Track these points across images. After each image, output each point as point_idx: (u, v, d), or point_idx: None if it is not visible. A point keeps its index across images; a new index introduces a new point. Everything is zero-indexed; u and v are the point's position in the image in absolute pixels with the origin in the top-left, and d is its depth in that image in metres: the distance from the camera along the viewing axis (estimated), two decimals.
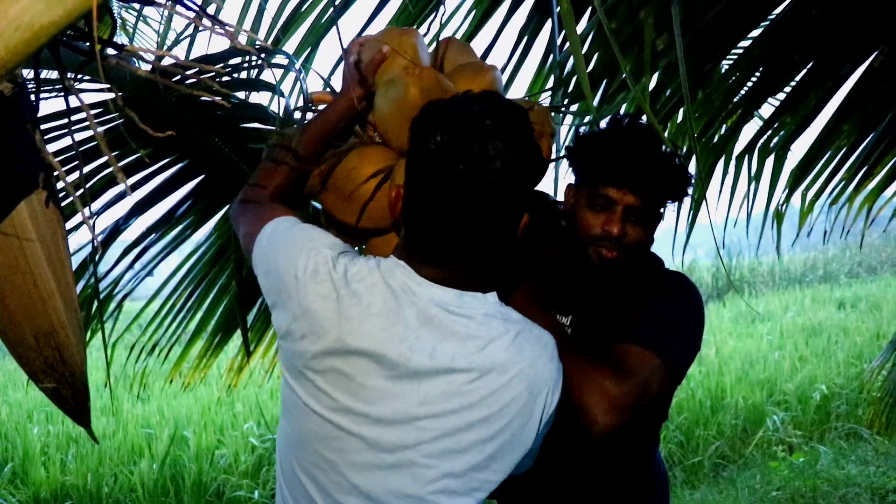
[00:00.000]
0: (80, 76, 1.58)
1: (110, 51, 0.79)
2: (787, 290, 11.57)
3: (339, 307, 0.98)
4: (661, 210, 1.39)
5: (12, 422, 5.75)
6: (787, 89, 2.02)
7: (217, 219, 2.09)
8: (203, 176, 1.96)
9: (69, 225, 1.80)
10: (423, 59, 1.29)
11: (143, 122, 0.71)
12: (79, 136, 1.73)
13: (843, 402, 5.56)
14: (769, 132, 2.12)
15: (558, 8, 1.39)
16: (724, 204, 2.55)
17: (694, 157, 1.96)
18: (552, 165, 1.50)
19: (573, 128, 1.79)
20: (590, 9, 1.85)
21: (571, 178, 1.44)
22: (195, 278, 2.23)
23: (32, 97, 0.87)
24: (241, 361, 2.55)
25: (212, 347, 2.44)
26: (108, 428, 5.45)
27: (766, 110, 2.45)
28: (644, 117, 1.48)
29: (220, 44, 5.68)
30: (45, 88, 1.57)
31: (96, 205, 1.85)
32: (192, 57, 1.77)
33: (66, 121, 1.61)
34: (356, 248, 1.21)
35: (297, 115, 1.51)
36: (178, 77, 1.17)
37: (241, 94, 1.87)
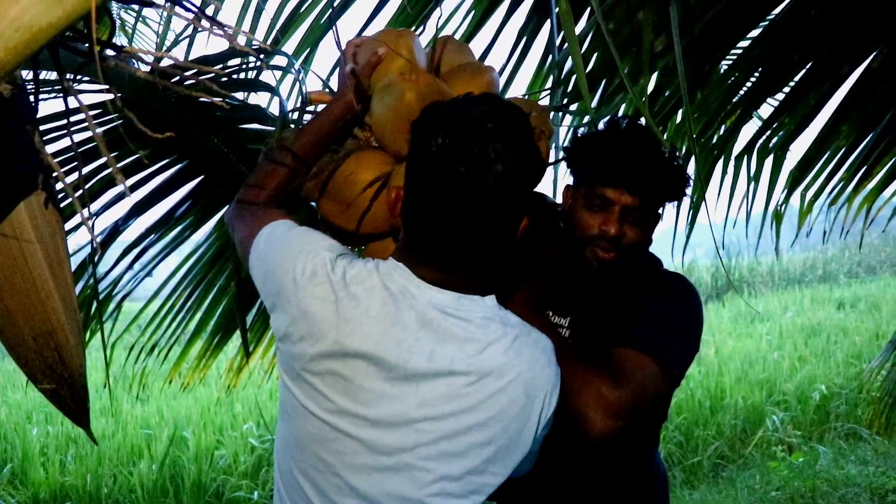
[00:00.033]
0: (79, 77, 1.58)
1: (109, 52, 0.79)
2: (787, 290, 11.59)
3: (338, 309, 0.98)
4: (660, 211, 1.39)
5: (11, 422, 5.74)
6: (786, 89, 2.02)
7: (216, 220, 2.09)
8: (202, 177, 1.96)
9: (68, 226, 1.80)
10: (420, 60, 1.28)
11: (142, 122, 0.71)
12: (78, 137, 1.72)
13: (843, 402, 5.57)
14: (768, 132, 2.12)
15: (557, 8, 1.39)
16: (724, 204, 2.56)
17: (693, 158, 1.96)
18: (551, 166, 1.50)
19: (571, 128, 1.79)
20: (589, 9, 1.85)
21: (570, 180, 1.45)
22: (194, 279, 2.23)
23: (32, 98, 0.88)
24: (241, 362, 2.55)
25: (211, 348, 2.44)
26: (108, 428, 5.44)
27: (766, 111, 2.45)
28: (642, 118, 1.48)
29: (218, 45, 5.69)
30: (45, 89, 1.57)
31: (95, 205, 1.84)
32: (191, 58, 1.77)
33: (65, 122, 1.60)
34: (355, 251, 1.21)
35: (296, 115, 1.51)
36: (177, 78, 1.16)
37: (240, 95, 1.87)
